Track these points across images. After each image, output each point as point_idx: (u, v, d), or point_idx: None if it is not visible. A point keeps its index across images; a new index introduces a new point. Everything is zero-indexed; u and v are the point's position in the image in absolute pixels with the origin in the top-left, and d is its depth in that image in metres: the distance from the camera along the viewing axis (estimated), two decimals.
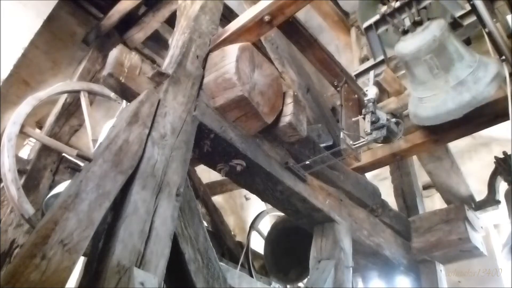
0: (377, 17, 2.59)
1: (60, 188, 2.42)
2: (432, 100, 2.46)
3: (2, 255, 2.74)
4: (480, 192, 3.74)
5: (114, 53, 2.01)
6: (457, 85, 2.35)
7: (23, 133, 2.78)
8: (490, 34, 2.08)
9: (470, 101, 2.32)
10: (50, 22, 3.69)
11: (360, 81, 2.80)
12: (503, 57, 2.10)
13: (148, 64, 2.09)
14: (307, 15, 4.51)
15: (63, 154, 3.25)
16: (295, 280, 3.96)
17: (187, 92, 2.11)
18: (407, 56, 2.45)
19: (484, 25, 2.07)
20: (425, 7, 2.45)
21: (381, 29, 2.61)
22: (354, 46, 3.87)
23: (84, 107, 3.10)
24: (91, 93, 3.24)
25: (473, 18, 2.33)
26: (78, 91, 3.21)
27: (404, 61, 2.51)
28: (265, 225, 5.25)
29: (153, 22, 4.00)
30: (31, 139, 3.95)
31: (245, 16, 2.34)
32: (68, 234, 1.38)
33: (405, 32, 2.47)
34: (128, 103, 2.02)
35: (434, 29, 2.37)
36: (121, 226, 1.52)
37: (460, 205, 3.33)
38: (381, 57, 2.70)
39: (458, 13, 2.42)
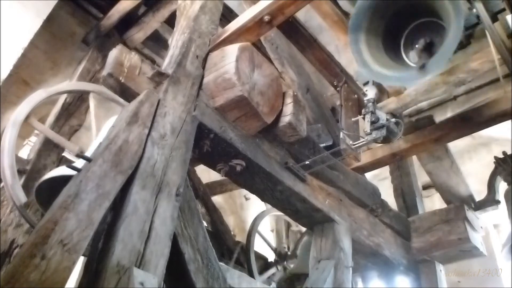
0: None
1: (54, 172, 2.35)
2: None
3: (2, 255, 2.73)
4: (480, 192, 3.74)
5: (113, 53, 2.01)
6: None
7: (27, 123, 2.78)
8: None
9: None
10: (50, 22, 3.69)
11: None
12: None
13: (148, 64, 2.09)
14: (307, 15, 4.50)
15: (63, 155, 3.23)
16: None
17: (187, 92, 2.11)
18: None
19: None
20: None
21: None
22: None
23: (92, 108, 3.09)
24: (102, 96, 3.23)
25: None
26: (88, 92, 3.20)
27: None
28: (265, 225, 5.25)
29: (153, 22, 3.99)
30: (31, 139, 3.95)
31: (245, 16, 2.34)
32: (68, 234, 1.38)
33: None
34: (128, 103, 2.02)
35: None
36: (121, 226, 1.52)
37: (460, 205, 3.33)
38: None
39: None
